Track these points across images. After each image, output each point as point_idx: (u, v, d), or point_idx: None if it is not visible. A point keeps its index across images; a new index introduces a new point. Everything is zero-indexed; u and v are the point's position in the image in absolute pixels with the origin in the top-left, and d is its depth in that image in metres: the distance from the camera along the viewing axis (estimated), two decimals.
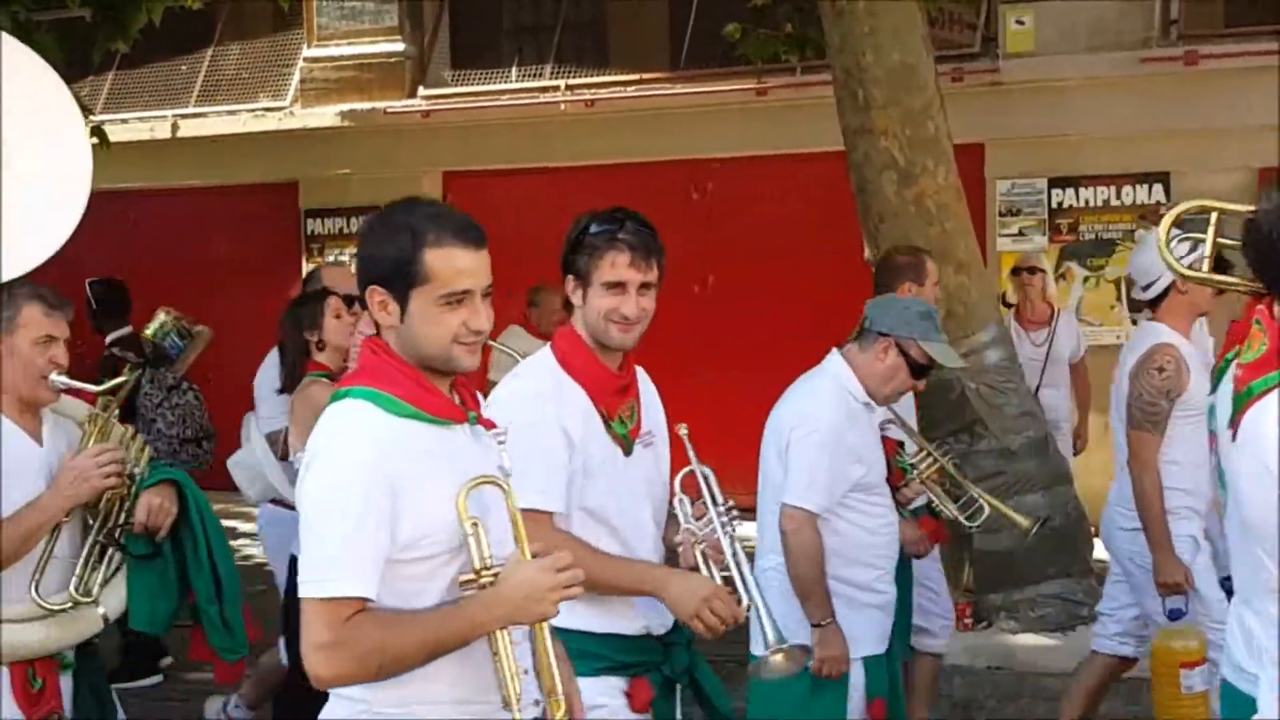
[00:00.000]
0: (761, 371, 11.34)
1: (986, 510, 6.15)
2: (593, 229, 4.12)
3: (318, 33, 15.08)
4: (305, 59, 15.15)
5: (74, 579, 4.36)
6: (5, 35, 4.57)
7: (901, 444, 6.01)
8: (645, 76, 13.83)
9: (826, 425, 5.15)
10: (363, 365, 3.26)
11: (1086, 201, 12.53)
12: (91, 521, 4.43)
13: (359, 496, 3.03)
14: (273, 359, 6.74)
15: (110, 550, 4.45)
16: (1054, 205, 12.62)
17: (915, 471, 5.88)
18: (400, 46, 14.77)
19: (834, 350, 5.42)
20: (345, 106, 14.79)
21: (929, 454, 5.98)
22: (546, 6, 14.87)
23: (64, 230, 4.51)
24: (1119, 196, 12.49)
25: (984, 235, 11.97)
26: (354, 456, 3.08)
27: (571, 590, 3.14)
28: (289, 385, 6.27)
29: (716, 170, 13.72)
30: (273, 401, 6.56)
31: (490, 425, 3.28)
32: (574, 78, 14.07)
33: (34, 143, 4.49)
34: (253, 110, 15.29)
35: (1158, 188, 12.38)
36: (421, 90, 14.67)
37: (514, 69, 14.52)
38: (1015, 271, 10.37)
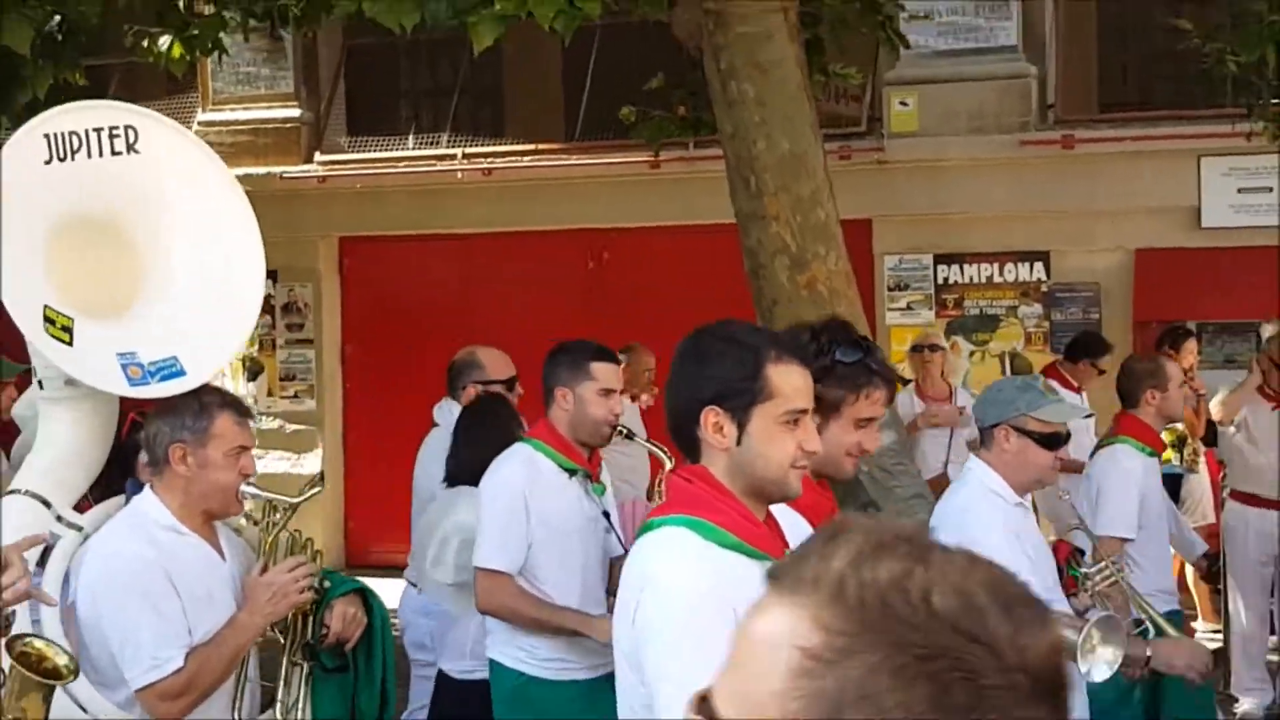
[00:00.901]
0: (658, 439, 11.56)
1: (1152, 632, 5.99)
2: (843, 357, 3.82)
3: (213, 97, 15.13)
4: (200, 123, 15.15)
5: (278, 704, 4.24)
6: (172, 125, 4.51)
7: (1080, 551, 5.94)
8: (541, 146, 14.05)
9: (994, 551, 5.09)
10: (678, 493, 3.12)
11: (971, 278, 12.92)
12: (275, 635, 4.29)
13: (702, 628, 2.81)
14: (433, 451, 6.59)
15: (301, 666, 4.31)
16: (940, 281, 12.99)
17: (1089, 582, 5.75)
18: (296, 112, 14.87)
19: (972, 456, 5.43)
20: (241, 171, 14.58)
21: (1109, 567, 5.88)
22: (443, 74, 15.08)
23: (246, 326, 4.47)
24: (1002, 273, 12.89)
25: (873, 310, 12.30)
26: (695, 585, 2.94)
27: None
28: (464, 478, 5.94)
29: (613, 239, 13.95)
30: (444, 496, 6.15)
31: None
32: (471, 146, 14.25)
33: (210, 238, 4.40)
34: None
35: (1039, 265, 12.79)
36: (318, 156, 14.78)
37: (411, 136, 14.68)
38: (915, 349, 10.71)
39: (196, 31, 9.97)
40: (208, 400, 4.20)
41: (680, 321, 12.88)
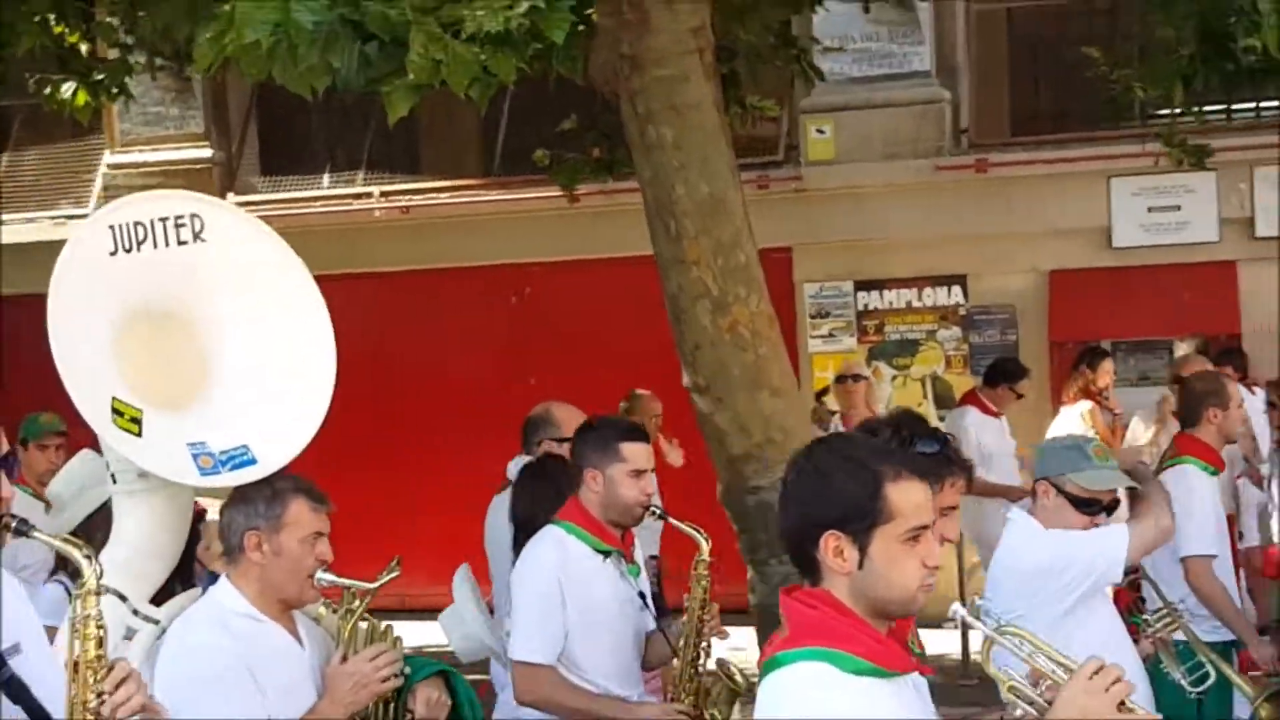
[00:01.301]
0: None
1: (1213, 677, 6.05)
2: (923, 448, 3.71)
3: (120, 139, 14.91)
4: (108, 165, 15.00)
5: None
6: (239, 212, 4.44)
7: (1142, 600, 5.99)
8: (459, 183, 14.03)
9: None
10: (804, 622, 3.02)
11: (890, 303, 13.02)
12: None
13: None
14: (502, 509, 6.36)
15: None
16: (860, 307, 13.08)
17: (1150, 629, 5.77)
18: (208, 153, 14.70)
19: (1013, 506, 5.51)
20: None
21: (1170, 615, 5.88)
22: (357, 111, 14.98)
23: (318, 411, 4.34)
24: (920, 298, 13.00)
25: (795, 338, 12.37)
26: None
27: None
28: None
29: (535, 274, 13.93)
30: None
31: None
32: (387, 183, 14.20)
33: (277, 324, 4.34)
34: (54, 218, 15.04)
35: (956, 289, 12.92)
36: (231, 196, 14.58)
37: (326, 174, 14.60)
38: (839, 380, 10.77)
39: (101, 77, 9.86)
40: (281, 487, 4.12)
41: (606, 354, 13.04)
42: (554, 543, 5.16)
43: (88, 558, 3.17)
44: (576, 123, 9.92)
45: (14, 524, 3.15)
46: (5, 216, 15.00)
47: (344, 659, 4.17)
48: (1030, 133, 13.25)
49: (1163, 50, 8.36)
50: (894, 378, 12.98)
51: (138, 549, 4.19)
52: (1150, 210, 12.40)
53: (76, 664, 3.10)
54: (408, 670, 4.22)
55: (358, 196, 14.22)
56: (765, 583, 7.58)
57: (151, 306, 4.19)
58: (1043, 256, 12.67)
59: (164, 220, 4.16)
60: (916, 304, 13.01)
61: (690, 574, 5.31)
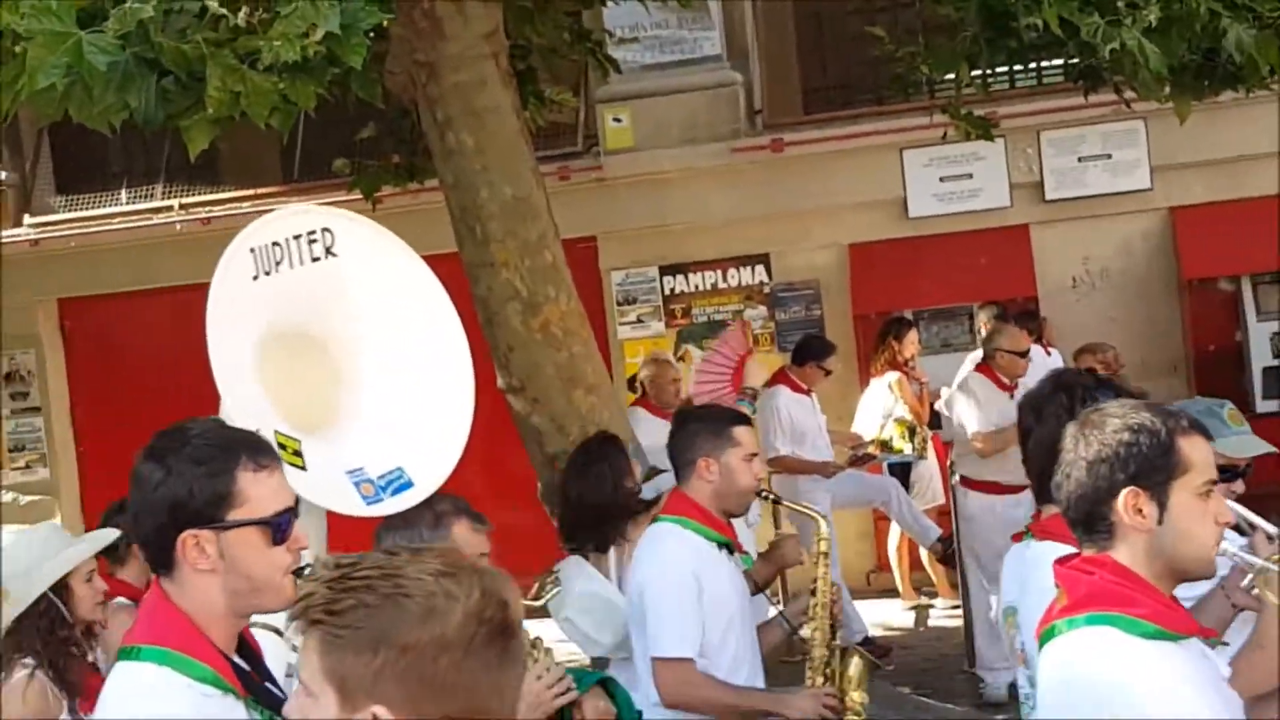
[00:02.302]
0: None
1: None
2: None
3: None
4: None
5: None
6: (367, 223, 4.26)
7: None
8: (259, 191, 13.88)
9: None
10: (1084, 589, 2.95)
11: (696, 286, 13.21)
12: None
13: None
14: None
15: None
16: (667, 292, 13.26)
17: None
18: (1, 175, 14.43)
19: None
20: None
21: None
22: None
23: (463, 423, 4.16)
24: (725, 279, 13.21)
25: (604, 325, 12.51)
26: (1165, 684, 2.83)
27: None
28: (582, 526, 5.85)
29: None
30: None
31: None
32: (186, 196, 14.04)
33: (411, 336, 4.17)
34: None
35: (759, 268, 13.15)
36: (28, 219, 14.38)
37: (124, 190, 14.39)
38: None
39: None
40: (442, 509, 4.06)
41: None
42: (676, 538, 5.05)
43: None
44: (375, 130, 9.90)
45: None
46: None
47: None
48: (822, 110, 13.53)
49: (945, 32, 8.58)
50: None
51: None
52: (943, 180, 12.74)
53: None
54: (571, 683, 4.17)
55: (157, 210, 14.05)
56: None
57: (287, 329, 4.06)
58: (842, 231, 12.96)
59: (298, 238, 4.03)
60: (721, 285, 13.22)
61: (815, 555, 5.29)
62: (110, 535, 5.39)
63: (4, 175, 14.45)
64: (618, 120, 13.11)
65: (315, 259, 4.07)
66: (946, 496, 10.64)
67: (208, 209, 13.90)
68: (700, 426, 5.19)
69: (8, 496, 14.12)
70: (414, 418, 4.13)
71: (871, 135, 12.70)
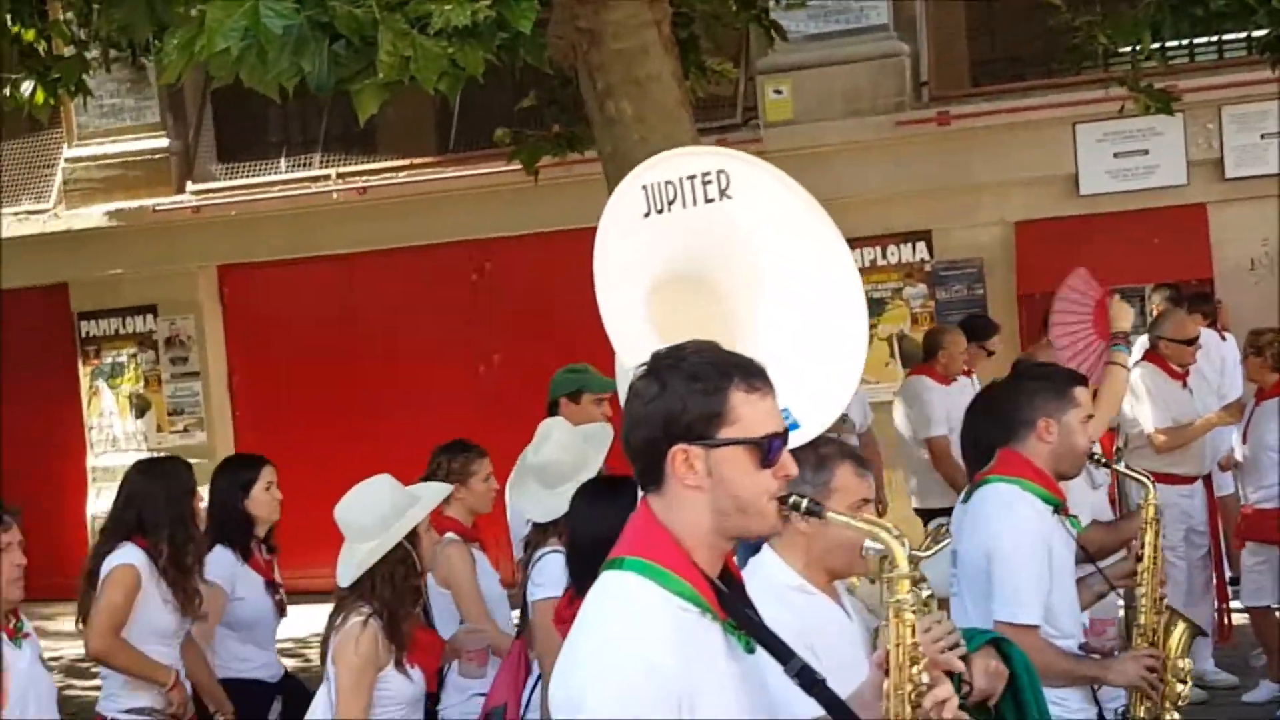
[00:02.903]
0: None
1: None
2: None
3: (78, 132, 14.83)
4: (67, 159, 14.90)
5: None
6: (765, 167, 4.14)
7: None
8: (415, 162, 13.92)
9: None
10: None
11: (855, 261, 12.91)
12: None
13: None
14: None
15: None
16: None
17: None
18: (165, 142, 14.61)
19: None
20: (112, 206, 14.57)
21: None
22: (311, 96, 14.81)
23: (853, 371, 4.06)
24: (884, 256, 12.92)
25: None
26: None
27: None
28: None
29: (494, 250, 13.84)
30: None
31: None
32: (343, 165, 14.09)
33: (803, 285, 4.06)
34: (15, 214, 14.96)
35: (920, 245, 12.85)
36: (190, 185, 14.54)
37: (282, 159, 14.49)
38: None
39: (59, 75, 9.73)
40: (826, 452, 3.93)
41: (569, 328, 12.93)
42: (1027, 503, 4.94)
43: (898, 538, 3.13)
44: (535, 99, 9.80)
45: (805, 504, 3.05)
46: None
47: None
48: (990, 83, 13.17)
49: (1126, 0, 8.28)
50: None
51: None
52: (1116, 156, 12.33)
53: (890, 652, 3.11)
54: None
55: (315, 179, 14.12)
56: None
57: (679, 269, 4.02)
58: (1008, 208, 12.61)
59: (692, 178, 3.99)
60: (881, 262, 12.93)
61: (1143, 519, 5.19)
62: (445, 489, 5.67)
63: (168, 144, 14.60)
64: (778, 92, 12.87)
65: (709, 200, 4.01)
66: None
67: (364, 179, 13.94)
68: (1042, 385, 5.03)
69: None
70: (803, 361, 3.99)
71: (1042, 109, 12.32)
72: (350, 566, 5.05)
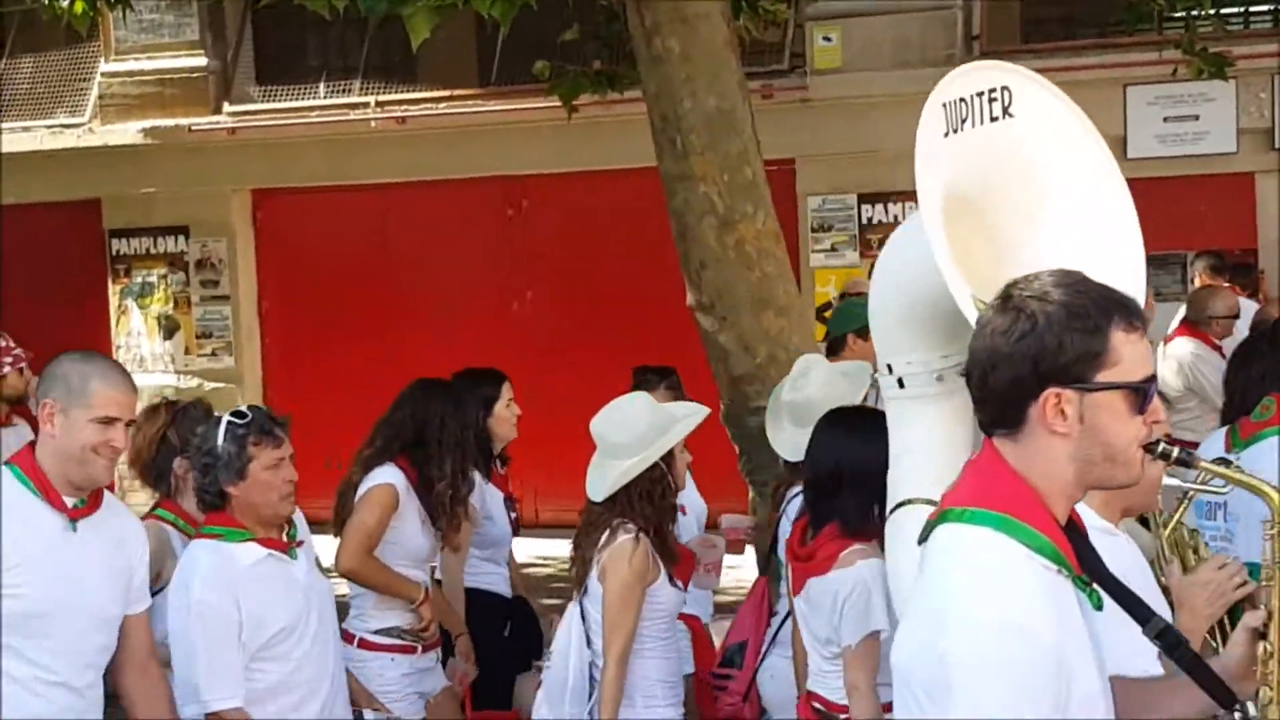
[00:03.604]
0: (576, 385, 11.40)
1: None
2: None
3: (115, 47, 14.69)
4: (103, 74, 14.77)
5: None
6: (1043, 84, 3.97)
7: None
8: (456, 93, 13.74)
9: None
10: None
11: (895, 217, 12.73)
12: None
13: None
14: None
15: None
16: (864, 221, 12.81)
17: None
18: (203, 61, 14.46)
19: None
20: (148, 123, 14.44)
21: None
22: (353, 22, 14.67)
23: (1138, 288, 3.80)
24: None
25: (797, 252, 12.13)
26: None
27: None
28: None
29: (531, 186, 13.71)
30: None
31: None
32: (383, 94, 13.93)
33: (1082, 213, 3.89)
34: (50, 127, 14.86)
35: None
36: (227, 106, 14.40)
37: (322, 84, 14.32)
38: (841, 297, 10.47)
39: None
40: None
41: (603, 268, 12.82)
42: None
43: None
44: (579, 33, 9.64)
45: (1176, 453, 2.80)
46: (3, 125, 14.79)
47: (1184, 570, 3.89)
48: (1042, 40, 12.92)
49: None
50: None
51: (935, 455, 3.92)
52: (1166, 120, 12.11)
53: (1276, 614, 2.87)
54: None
55: (354, 106, 13.97)
56: (765, 502, 7.43)
57: (967, 191, 3.83)
58: None
59: (980, 95, 3.79)
60: None
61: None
62: (704, 411, 5.42)
63: (206, 63, 14.46)
64: (827, 39, 12.67)
65: (993, 118, 3.82)
66: None
67: (404, 108, 13.79)
68: None
69: (193, 382, 14.25)
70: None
71: (1094, 69, 12.06)
72: (603, 482, 5.09)
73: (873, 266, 12.45)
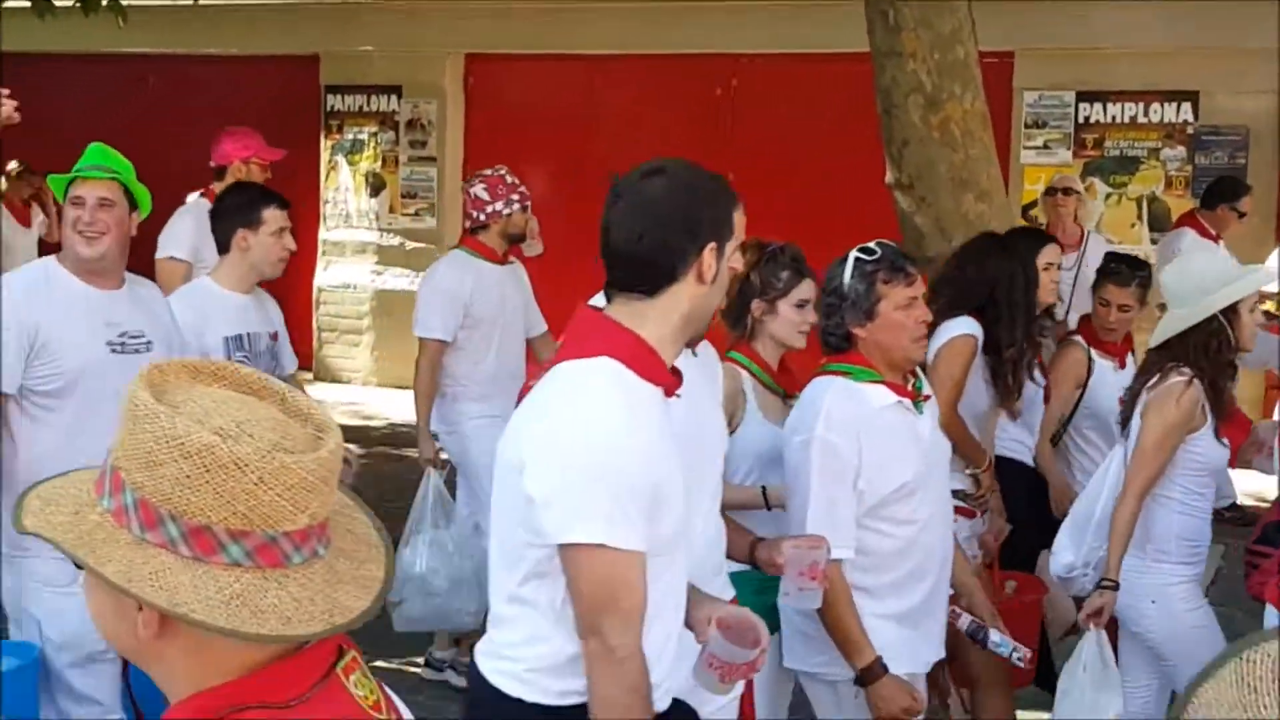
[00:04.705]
0: None
1: None
2: None
3: None
4: None
5: None
6: None
7: None
8: None
9: None
10: None
11: (1114, 117, 12.40)
12: None
13: None
14: None
15: None
16: (1081, 119, 12.49)
17: None
18: None
19: None
20: None
21: None
22: None
23: None
24: (1147, 114, 12.35)
25: (1008, 148, 11.87)
26: None
27: None
28: None
29: (743, 66, 13.58)
30: None
31: None
32: None
33: None
34: None
35: (1186, 106, 12.25)
36: None
37: None
38: (1049, 192, 10.21)
39: None
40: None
41: (809, 153, 12.65)
42: None
43: None
44: None
45: None
46: None
47: None
48: None
49: None
50: (1108, 196, 12.40)
51: None
52: None
53: None
54: None
55: None
56: None
57: None
58: None
59: None
60: (1142, 120, 12.36)
61: None
62: (1273, 276, 5.59)
63: None
64: None
65: None
66: None
67: None
68: None
69: (395, 240, 14.44)
70: None
71: None
72: (1159, 328, 5.05)
73: (1085, 167, 12.23)
